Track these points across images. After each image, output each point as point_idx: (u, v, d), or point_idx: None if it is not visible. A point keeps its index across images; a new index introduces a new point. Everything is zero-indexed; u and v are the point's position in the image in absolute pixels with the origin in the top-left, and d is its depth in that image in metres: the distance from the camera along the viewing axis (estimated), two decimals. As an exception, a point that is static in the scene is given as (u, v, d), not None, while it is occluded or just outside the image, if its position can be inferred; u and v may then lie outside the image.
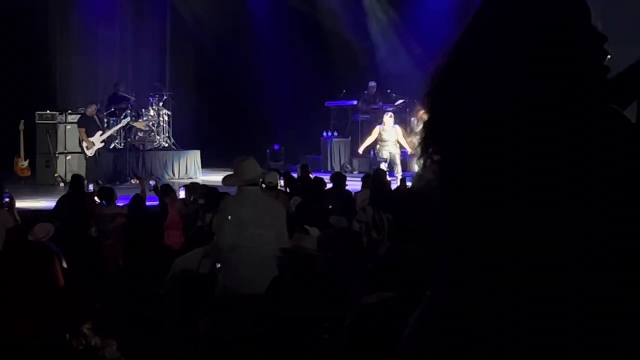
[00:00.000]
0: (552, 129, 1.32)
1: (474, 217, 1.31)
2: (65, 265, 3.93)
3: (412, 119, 21.36)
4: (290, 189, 14.21)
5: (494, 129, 1.36)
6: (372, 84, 24.23)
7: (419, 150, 1.53)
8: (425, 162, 1.51)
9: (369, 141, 20.78)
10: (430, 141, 1.45)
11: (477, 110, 1.40)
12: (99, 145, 19.98)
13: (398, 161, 20.42)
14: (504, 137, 1.36)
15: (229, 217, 7.93)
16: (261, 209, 8.11)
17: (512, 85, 1.35)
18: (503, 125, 1.38)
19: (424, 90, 1.50)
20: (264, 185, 13.23)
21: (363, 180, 14.58)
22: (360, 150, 21.42)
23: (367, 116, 23.87)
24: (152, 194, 13.68)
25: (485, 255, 1.32)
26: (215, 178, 18.01)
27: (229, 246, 7.90)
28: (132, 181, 15.05)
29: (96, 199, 13.13)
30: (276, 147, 25.62)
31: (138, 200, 11.96)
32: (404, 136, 20.45)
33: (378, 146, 20.73)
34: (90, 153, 19.85)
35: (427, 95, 1.47)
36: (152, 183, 14.96)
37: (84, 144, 19.84)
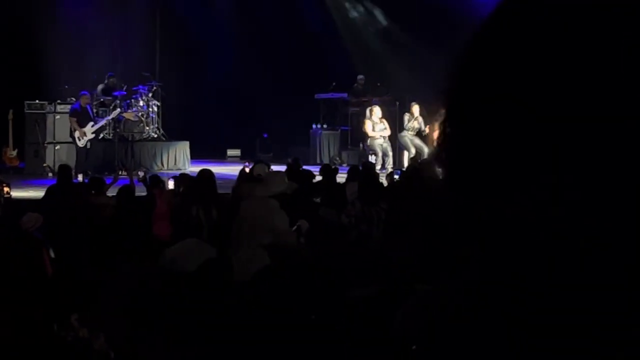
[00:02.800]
0: None
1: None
2: (52, 255, 3.91)
3: (405, 114, 21.36)
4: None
5: None
6: (361, 77, 24.28)
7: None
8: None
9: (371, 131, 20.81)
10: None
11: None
12: (90, 136, 20.06)
13: (390, 153, 20.54)
14: None
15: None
16: (270, 215, 8.76)
17: None
18: None
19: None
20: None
21: (349, 172, 14.50)
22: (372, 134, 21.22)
23: (357, 108, 23.89)
24: (141, 184, 13.65)
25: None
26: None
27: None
28: (121, 172, 14.97)
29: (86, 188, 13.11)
30: (265, 135, 25.64)
31: (126, 191, 11.93)
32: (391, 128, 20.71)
33: (368, 140, 20.79)
34: (81, 143, 19.93)
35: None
36: (141, 173, 14.91)
37: (76, 134, 19.90)
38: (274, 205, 8.80)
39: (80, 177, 17.77)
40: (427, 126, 20.89)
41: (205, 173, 12.67)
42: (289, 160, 16.35)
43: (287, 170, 15.15)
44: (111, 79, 22.64)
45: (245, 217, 8.84)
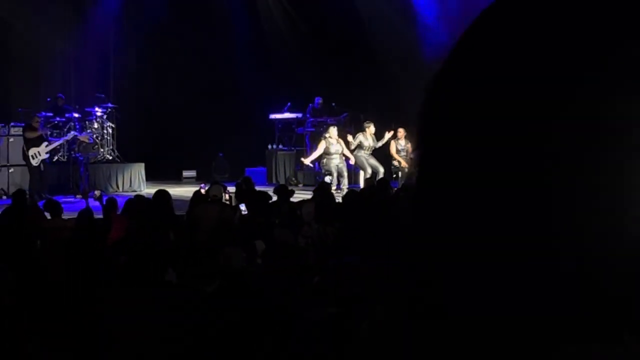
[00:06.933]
0: None
1: None
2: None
3: (359, 134, 21.29)
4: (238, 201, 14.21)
5: None
6: (319, 99, 24.24)
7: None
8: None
9: (316, 153, 20.81)
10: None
11: None
12: (44, 155, 19.93)
13: (345, 173, 20.55)
14: None
15: None
16: None
17: None
18: None
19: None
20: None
21: (313, 192, 14.50)
22: (308, 161, 21.42)
23: (312, 129, 23.91)
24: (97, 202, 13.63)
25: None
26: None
27: None
28: (76, 196, 14.89)
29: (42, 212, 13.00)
30: (220, 154, 25.66)
31: (86, 217, 11.83)
32: (347, 148, 20.71)
33: (324, 159, 20.77)
34: (35, 162, 19.76)
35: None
36: (97, 192, 14.79)
37: (30, 152, 19.75)
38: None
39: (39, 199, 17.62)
40: (380, 140, 20.88)
41: (162, 194, 12.62)
42: (239, 180, 16.33)
43: (236, 190, 15.11)
44: (60, 100, 22.48)
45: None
